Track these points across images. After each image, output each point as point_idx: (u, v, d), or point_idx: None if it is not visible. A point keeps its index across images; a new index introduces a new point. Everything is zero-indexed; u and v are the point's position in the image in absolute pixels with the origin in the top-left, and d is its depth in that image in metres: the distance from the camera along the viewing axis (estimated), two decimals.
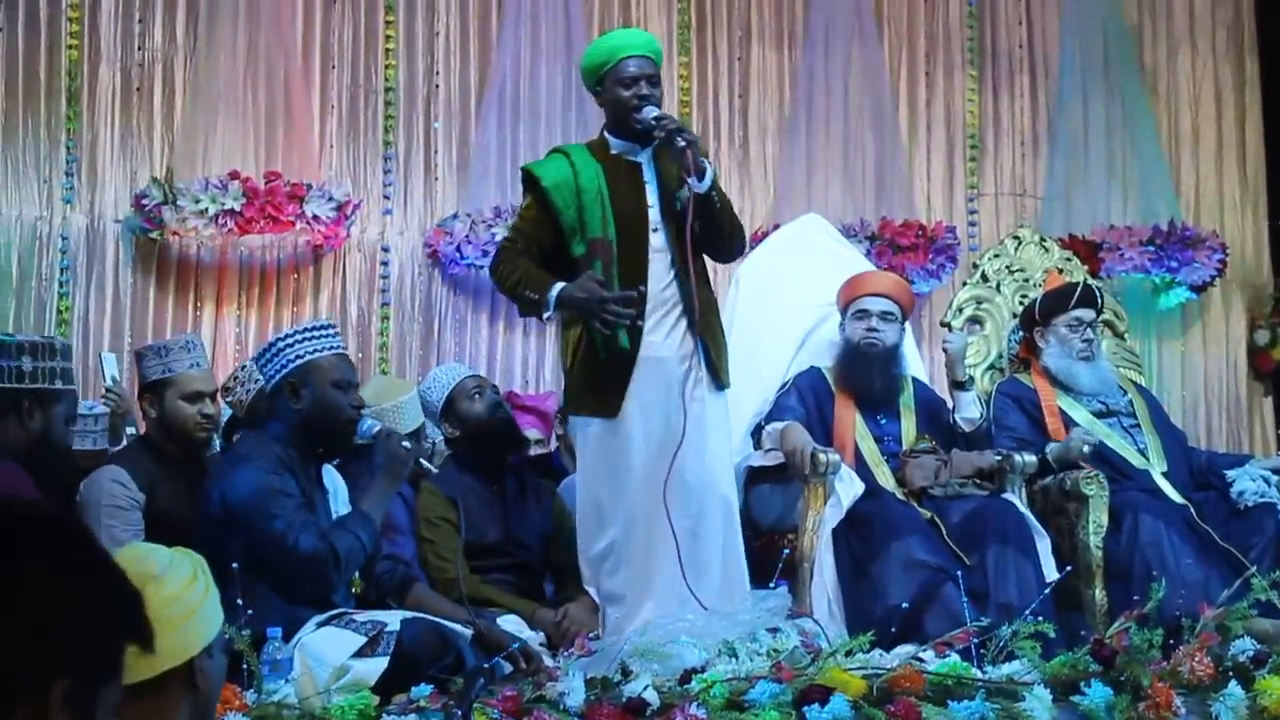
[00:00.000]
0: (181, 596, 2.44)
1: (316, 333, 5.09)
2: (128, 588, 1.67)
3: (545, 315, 5.38)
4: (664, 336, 5.39)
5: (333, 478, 5.22)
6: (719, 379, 5.48)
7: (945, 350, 6.68)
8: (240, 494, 4.78)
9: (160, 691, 2.35)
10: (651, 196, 5.46)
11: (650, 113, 5.40)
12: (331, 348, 5.08)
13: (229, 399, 6.27)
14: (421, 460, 5.14)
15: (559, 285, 5.27)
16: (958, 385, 6.54)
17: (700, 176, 5.29)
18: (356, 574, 5.14)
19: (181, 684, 2.39)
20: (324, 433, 5.03)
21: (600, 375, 5.35)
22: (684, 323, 5.43)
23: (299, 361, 4.99)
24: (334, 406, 5.00)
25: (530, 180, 5.57)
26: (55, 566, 1.57)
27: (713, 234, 5.47)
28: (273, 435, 5.00)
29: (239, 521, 4.75)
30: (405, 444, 5.05)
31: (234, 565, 4.40)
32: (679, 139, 5.28)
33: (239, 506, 4.77)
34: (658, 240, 5.42)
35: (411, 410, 6.05)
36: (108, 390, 6.52)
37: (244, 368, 6.31)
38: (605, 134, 5.60)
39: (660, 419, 5.36)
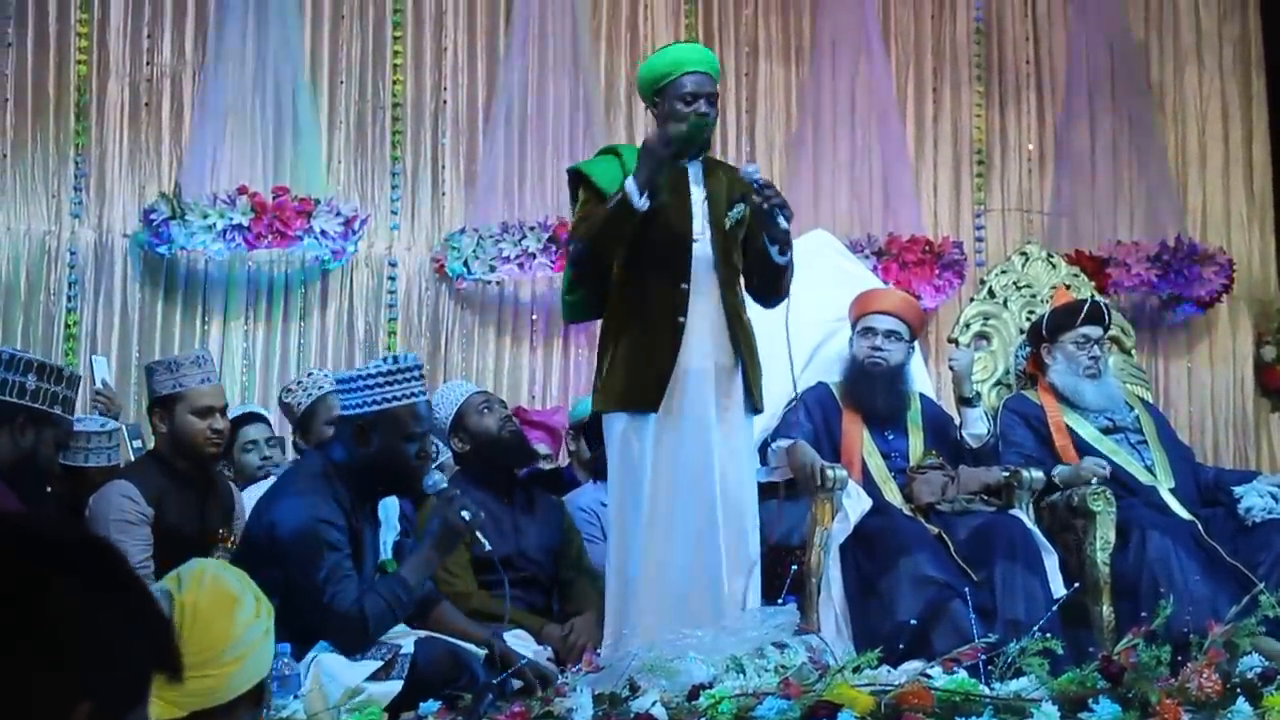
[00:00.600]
0: (259, 618, 2.44)
1: (402, 376, 5.00)
2: (158, 613, 1.67)
3: (639, 203, 5.24)
4: (704, 346, 5.39)
5: (384, 505, 5.21)
6: (753, 400, 5.49)
7: (951, 367, 6.68)
8: (288, 532, 4.75)
9: (232, 712, 2.36)
10: (697, 206, 5.47)
11: (754, 173, 5.42)
12: (412, 395, 5.00)
13: (287, 399, 6.36)
14: (478, 534, 5.05)
15: (629, 178, 5.29)
16: (965, 401, 6.54)
17: (784, 250, 5.35)
18: None
19: (251, 703, 2.40)
20: (386, 480, 5.01)
21: (643, 373, 5.33)
22: (725, 336, 5.43)
23: (376, 407, 4.94)
24: (400, 459, 4.96)
25: (580, 176, 5.56)
26: (84, 586, 1.57)
27: (770, 291, 5.56)
28: (333, 461, 4.97)
29: (281, 558, 4.73)
30: (464, 514, 4.95)
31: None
32: (781, 216, 5.33)
33: (284, 544, 4.75)
34: (699, 249, 5.43)
35: None
36: (97, 393, 6.54)
37: (311, 374, 6.48)
38: None
39: (692, 430, 5.35)
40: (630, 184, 5.24)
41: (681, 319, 5.35)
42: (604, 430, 5.54)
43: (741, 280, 5.57)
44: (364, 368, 5.26)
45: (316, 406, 6.28)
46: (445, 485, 5.10)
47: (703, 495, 5.35)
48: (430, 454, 5.14)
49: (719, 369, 5.42)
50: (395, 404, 4.94)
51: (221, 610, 2.36)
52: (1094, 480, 6.22)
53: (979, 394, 6.70)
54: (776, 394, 6.43)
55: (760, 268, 5.51)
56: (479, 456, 5.98)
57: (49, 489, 5.46)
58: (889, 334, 6.38)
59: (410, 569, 4.93)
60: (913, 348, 6.55)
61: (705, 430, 5.37)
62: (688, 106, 5.44)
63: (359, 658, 4.63)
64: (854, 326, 6.47)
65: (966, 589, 5.54)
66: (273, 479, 6.09)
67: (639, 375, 5.35)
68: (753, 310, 5.81)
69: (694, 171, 5.54)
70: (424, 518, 5.70)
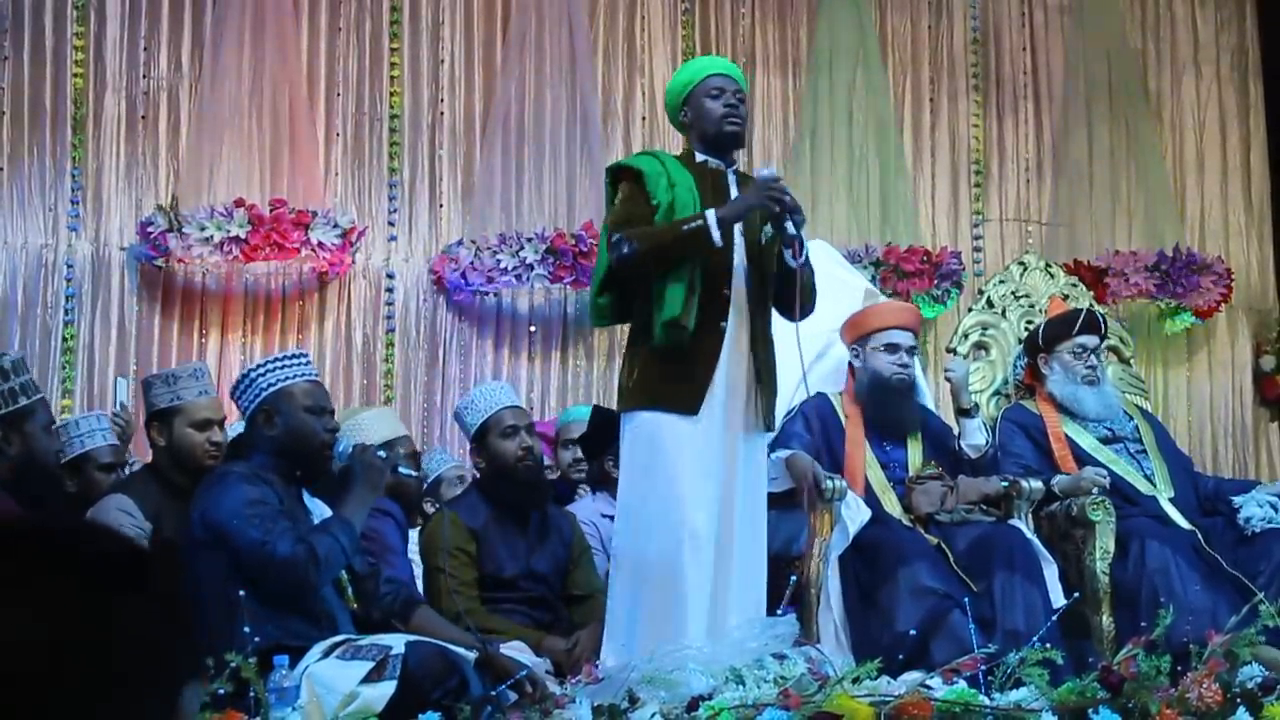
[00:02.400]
0: None
1: (288, 361, 5.15)
2: (193, 619, 1.64)
3: (716, 239, 5.18)
4: (738, 358, 5.34)
5: (318, 509, 5.22)
6: (765, 419, 5.47)
7: (948, 378, 6.66)
8: (219, 510, 4.81)
9: None
10: None
11: (768, 173, 5.34)
12: (303, 375, 5.12)
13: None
14: (399, 468, 5.15)
15: (711, 209, 5.22)
16: (963, 412, 6.53)
17: (796, 254, 5.33)
18: (350, 591, 5.14)
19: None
20: (300, 457, 5.06)
21: (684, 375, 5.26)
22: (754, 351, 5.38)
23: (270, 389, 5.05)
24: (308, 431, 5.04)
25: (622, 171, 5.51)
26: (138, 605, 1.54)
27: (791, 301, 5.42)
28: (251, 461, 5.03)
29: (220, 537, 4.77)
30: (380, 453, 5.10)
31: (240, 593, 4.42)
32: (791, 222, 5.27)
33: (218, 522, 4.79)
34: (737, 260, 5.38)
35: (373, 426, 6.03)
36: (115, 415, 6.53)
37: None
38: (692, 148, 5.56)
39: (724, 440, 5.30)
40: (712, 217, 5.18)
41: (724, 324, 5.31)
42: (625, 427, 5.39)
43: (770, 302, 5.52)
44: (247, 366, 5.36)
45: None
46: (355, 446, 5.19)
47: (726, 506, 5.31)
48: (336, 428, 5.19)
49: (748, 384, 5.38)
50: (289, 382, 5.07)
51: None
52: (1094, 490, 6.21)
53: (976, 404, 6.69)
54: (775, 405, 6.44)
55: (779, 278, 5.46)
56: (492, 480, 5.95)
57: (64, 485, 5.49)
58: (910, 349, 6.38)
59: (349, 509, 5.02)
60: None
61: (735, 442, 5.34)
62: (717, 100, 5.42)
63: (350, 658, 4.61)
64: (866, 341, 6.41)
65: (966, 599, 5.52)
66: None
67: (681, 377, 5.27)
68: None
69: (731, 178, 5.50)
70: (443, 533, 5.69)
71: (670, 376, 5.27)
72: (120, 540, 1.63)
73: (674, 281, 5.24)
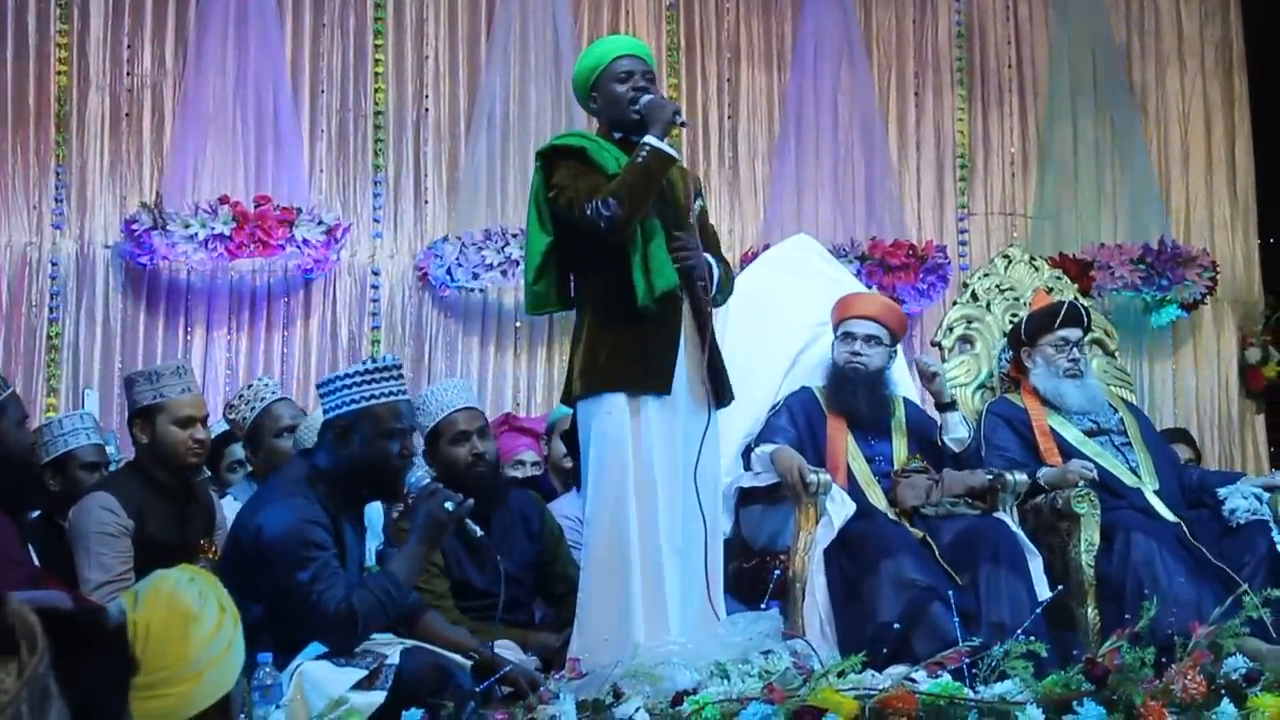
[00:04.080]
0: (220, 631, 2.40)
1: (379, 375, 4.94)
2: (118, 639, 1.66)
3: (672, 151, 5.17)
4: (689, 333, 5.31)
5: (369, 512, 5.16)
6: (719, 393, 5.43)
7: (932, 388, 6.56)
8: (274, 535, 4.69)
9: None
10: (666, 194, 5.35)
11: (692, 261, 5.32)
12: (391, 393, 4.94)
13: (231, 415, 6.30)
14: (468, 521, 4.99)
15: (644, 138, 5.16)
16: (944, 407, 6.52)
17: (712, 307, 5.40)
18: None
19: (217, 715, 2.37)
20: (369, 480, 4.95)
21: (654, 351, 5.20)
22: (696, 324, 5.34)
23: (354, 406, 4.88)
24: (381, 457, 4.87)
25: (560, 150, 5.35)
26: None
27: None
28: (317, 466, 4.91)
29: (268, 562, 4.68)
30: (448, 505, 4.89)
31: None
32: (697, 283, 5.29)
33: (271, 548, 4.69)
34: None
35: None
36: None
37: (250, 386, 6.38)
38: (608, 131, 5.44)
39: (688, 416, 5.27)
40: (653, 140, 5.12)
41: (681, 295, 5.28)
42: (586, 412, 5.28)
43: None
44: (343, 370, 5.19)
45: (262, 419, 6.21)
46: (427, 483, 5.05)
47: (701, 483, 5.25)
48: (413, 452, 5.08)
49: (700, 360, 5.34)
50: (374, 402, 4.88)
51: (177, 630, 2.31)
52: (1080, 483, 6.21)
53: (954, 399, 6.68)
54: (760, 398, 6.43)
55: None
56: (446, 486, 5.78)
57: (44, 480, 5.46)
58: (869, 338, 6.36)
59: (399, 565, 4.87)
60: (894, 352, 6.53)
61: (701, 417, 5.30)
62: (623, 85, 5.30)
63: (344, 663, 4.59)
64: (835, 330, 6.45)
65: (951, 592, 5.52)
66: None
67: (650, 354, 5.21)
68: (736, 315, 5.78)
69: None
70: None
71: (644, 356, 5.21)
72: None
73: (657, 251, 5.20)
